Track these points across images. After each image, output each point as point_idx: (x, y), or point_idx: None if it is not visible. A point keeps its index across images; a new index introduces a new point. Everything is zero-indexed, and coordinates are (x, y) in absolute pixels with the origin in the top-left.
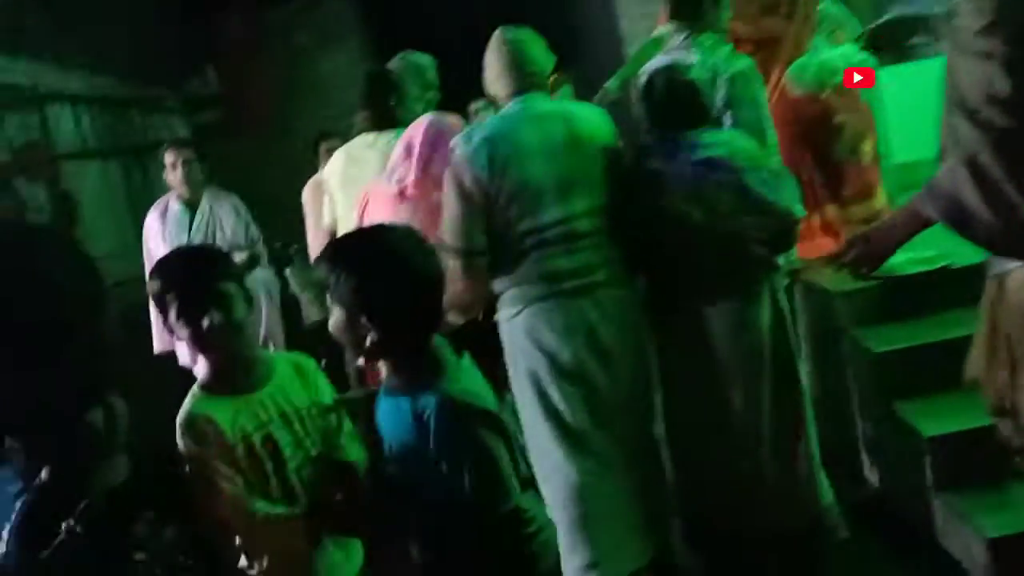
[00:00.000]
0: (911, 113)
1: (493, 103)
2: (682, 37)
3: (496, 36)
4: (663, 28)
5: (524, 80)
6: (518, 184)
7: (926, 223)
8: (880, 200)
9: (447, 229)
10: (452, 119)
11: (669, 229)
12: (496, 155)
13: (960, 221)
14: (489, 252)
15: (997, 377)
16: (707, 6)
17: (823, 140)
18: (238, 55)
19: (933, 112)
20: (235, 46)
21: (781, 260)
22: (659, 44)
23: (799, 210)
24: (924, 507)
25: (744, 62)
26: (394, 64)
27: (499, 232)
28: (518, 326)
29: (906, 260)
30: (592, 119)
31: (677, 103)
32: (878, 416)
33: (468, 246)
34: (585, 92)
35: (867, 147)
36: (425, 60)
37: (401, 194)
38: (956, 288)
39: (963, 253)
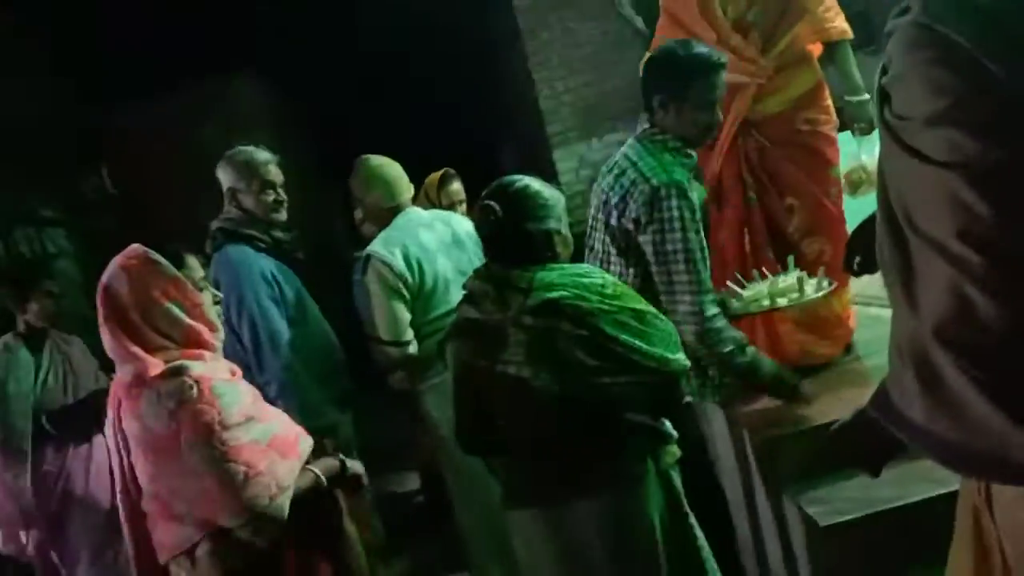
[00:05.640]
0: None
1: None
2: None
3: (363, 162)
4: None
5: (401, 195)
6: (431, 278)
7: None
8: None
9: (380, 326)
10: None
11: (502, 398)
12: (409, 255)
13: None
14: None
15: None
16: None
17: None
18: (133, 150)
19: None
20: (130, 140)
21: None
22: None
23: (680, 360)
24: None
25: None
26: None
27: (414, 322)
28: (426, 398)
29: None
30: (463, 222)
31: (502, 231)
32: None
33: (400, 338)
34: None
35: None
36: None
37: None
38: None
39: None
